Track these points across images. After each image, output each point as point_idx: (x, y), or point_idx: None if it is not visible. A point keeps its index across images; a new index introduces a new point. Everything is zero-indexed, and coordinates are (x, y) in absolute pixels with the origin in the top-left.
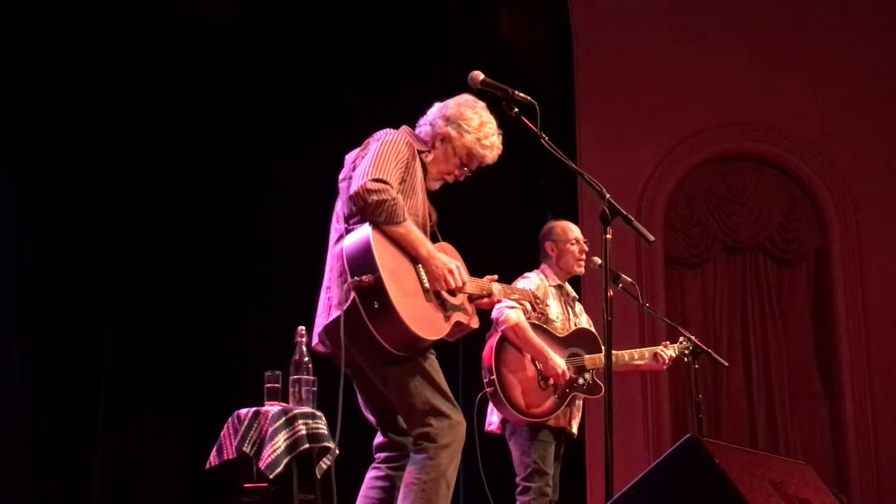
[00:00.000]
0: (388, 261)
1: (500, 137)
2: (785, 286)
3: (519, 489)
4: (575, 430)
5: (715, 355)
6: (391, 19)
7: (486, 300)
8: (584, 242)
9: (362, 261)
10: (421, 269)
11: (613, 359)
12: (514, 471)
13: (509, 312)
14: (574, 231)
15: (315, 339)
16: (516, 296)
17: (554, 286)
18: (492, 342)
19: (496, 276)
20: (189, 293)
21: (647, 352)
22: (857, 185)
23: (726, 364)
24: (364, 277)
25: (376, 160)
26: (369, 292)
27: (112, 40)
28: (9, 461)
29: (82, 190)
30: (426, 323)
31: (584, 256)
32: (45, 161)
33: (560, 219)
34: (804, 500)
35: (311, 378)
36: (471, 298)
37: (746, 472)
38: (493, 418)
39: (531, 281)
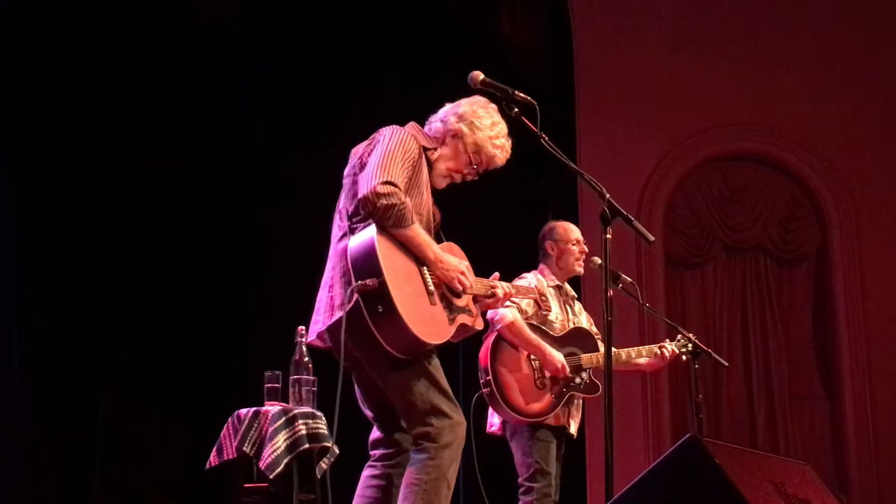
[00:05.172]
0: (392, 264)
1: (510, 142)
2: (785, 286)
3: (522, 489)
4: (574, 430)
5: (715, 355)
6: (391, 19)
7: (490, 300)
8: (584, 244)
9: (366, 264)
10: (426, 272)
11: (614, 358)
12: (516, 471)
13: (504, 311)
14: (575, 232)
15: (312, 336)
16: (521, 297)
17: (552, 286)
18: (487, 343)
19: (498, 275)
20: (189, 293)
21: (648, 349)
22: (857, 185)
23: (726, 364)
24: (368, 281)
25: (384, 161)
26: (373, 296)
27: (111, 36)
28: (9, 461)
29: (83, 189)
30: (430, 327)
31: (583, 257)
32: (46, 159)
33: (560, 219)
34: (804, 500)
35: (311, 378)
36: (475, 299)
37: (746, 472)
38: (494, 420)
39: (527, 282)
